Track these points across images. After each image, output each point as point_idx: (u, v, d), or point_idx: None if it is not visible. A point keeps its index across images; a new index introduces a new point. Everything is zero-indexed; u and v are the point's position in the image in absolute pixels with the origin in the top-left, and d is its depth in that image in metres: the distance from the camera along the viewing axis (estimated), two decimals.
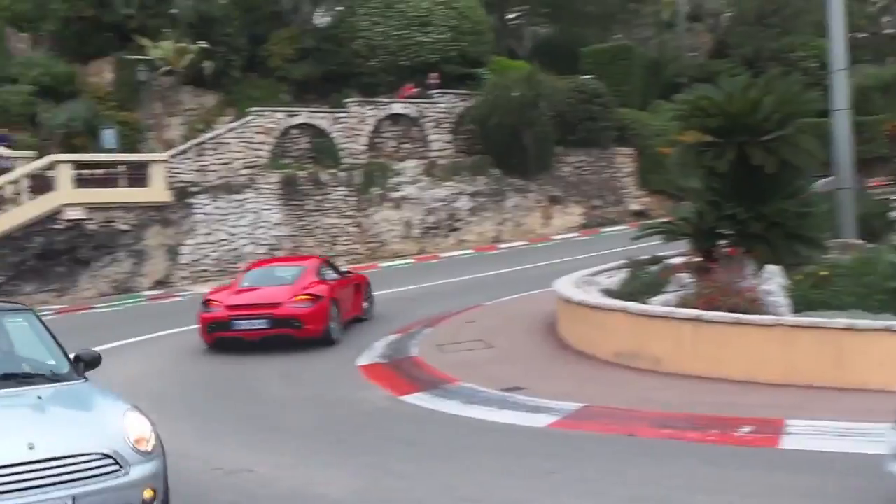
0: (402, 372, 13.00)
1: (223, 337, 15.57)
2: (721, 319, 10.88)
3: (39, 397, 6.34)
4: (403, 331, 16.31)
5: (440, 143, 32.90)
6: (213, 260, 27.72)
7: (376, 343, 15.28)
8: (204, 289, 25.42)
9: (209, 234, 27.75)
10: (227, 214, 28.14)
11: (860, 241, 15.11)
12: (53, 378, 6.76)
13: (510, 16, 49.70)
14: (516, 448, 8.72)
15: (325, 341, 15.50)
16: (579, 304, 13.22)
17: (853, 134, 16.73)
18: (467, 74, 34.77)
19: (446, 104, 33.16)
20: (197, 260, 27.51)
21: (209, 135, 29.16)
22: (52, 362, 6.97)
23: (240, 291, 16.46)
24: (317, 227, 29.57)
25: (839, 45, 16.86)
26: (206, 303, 16.17)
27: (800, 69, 35.71)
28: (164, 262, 27.07)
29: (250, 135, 29.38)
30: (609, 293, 13.73)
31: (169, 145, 30.41)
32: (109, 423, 6.14)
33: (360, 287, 18.37)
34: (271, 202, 28.90)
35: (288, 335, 15.31)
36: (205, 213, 27.78)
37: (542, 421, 9.65)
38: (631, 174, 36.11)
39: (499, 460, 8.30)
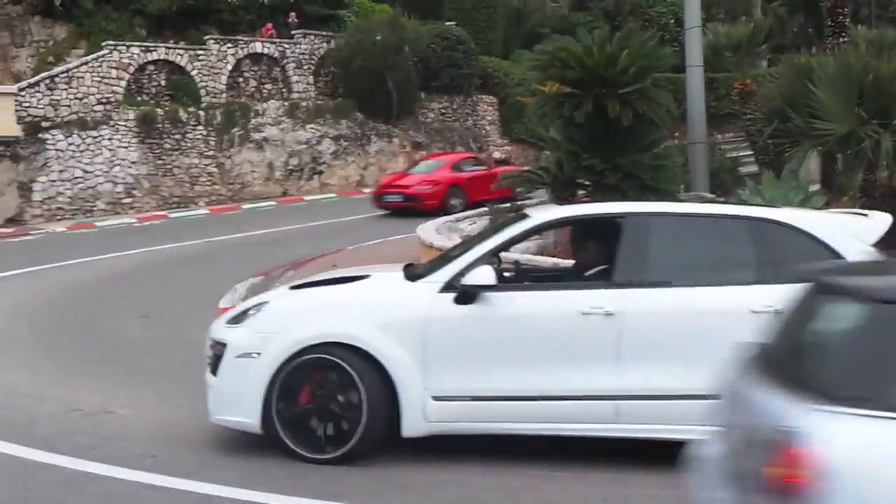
0: None
1: (381, 204, 24.35)
2: None
3: None
4: (265, 273, 16.27)
5: (302, 84, 32.56)
6: (69, 198, 26.84)
7: (238, 285, 15.20)
8: (59, 227, 24.76)
9: (63, 171, 26.81)
10: (82, 151, 27.22)
11: (711, 195, 15.76)
12: None
13: None
14: None
15: (441, 212, 20.84)
16: (441, 250, 13.44)
17: (706, 90, 17.38)
18: (330, 16, 34.39)
19: (308, 45, 32.77)
20: (51, 197, 26.58)
21: (61, 68, 28.03)
22: None
23: (399, 176, 25.41)
24: (176, 167, 28.94)
25: (693, 2, 17.42)
26: (379, 181, 26.93)
27: (657, 24, 36.80)
28: (16, 199, 26.05)
29: (105, 70, 28.38)
30: None
31: (17, 78, 29.12)
32: None
33: None
34: (128, 140, 28.10)
35: (413, 207, 22.68)
36: (58, 150, 26.80)
37: None
38: (493, 122, 36.58)
39: None
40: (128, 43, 29.38)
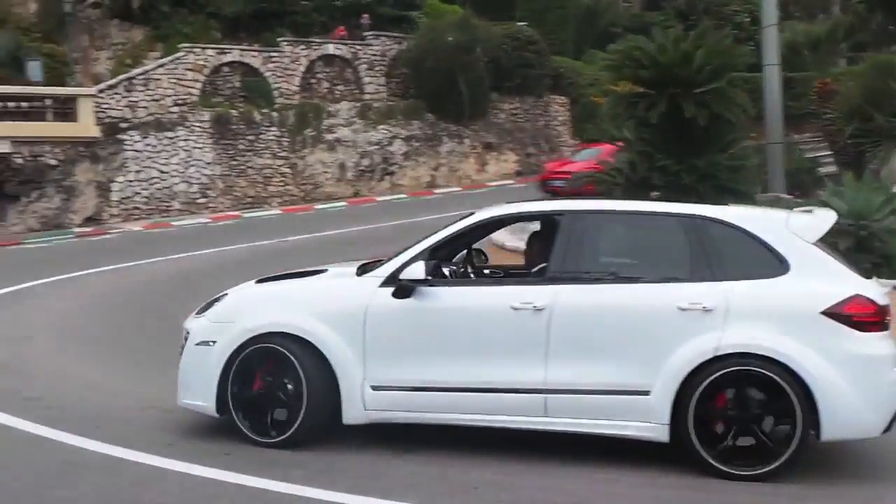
0: None
1: (547, 189, 25.06)
2: None
3: None
4: None
5: (374, 85, 32.73)
6: (145, 198, 27.39)
7: None
8: (136, 227, 25.20)
9: (140, 171, 27.35)
10: (158, 152, 27.74)
11: (790, 196, 15.45)
12: None
13: None
14: None
15: (605, 197, 22.39)
16: (513, 251, 13.39)
17: (783, 89, 17.05)
18: (401, 17, 34.52)
19: (380, 46, 32.95)
20: (128, 197, 27.14)
21: (138, 70, 28.58)
22: None
23: (563, 163, 27.25)
24: (250, 168, 29.32)
25: (770, 1, 17.11)
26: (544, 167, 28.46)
27: (732, 23, 36.21)
28: (95, 199, 26.66)
29: (181, 72, 28.88)
30: None
31: (96, 80, 29.77)
32: None
33: None
34: (203, 141, 28.55)
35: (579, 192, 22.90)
36: (135, 150, 27.35)
37: None
38: (565, 122, 36.41)
39: None
40: (203, 45, 29.87)
